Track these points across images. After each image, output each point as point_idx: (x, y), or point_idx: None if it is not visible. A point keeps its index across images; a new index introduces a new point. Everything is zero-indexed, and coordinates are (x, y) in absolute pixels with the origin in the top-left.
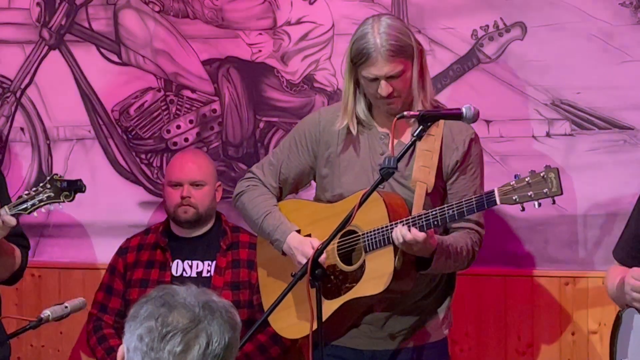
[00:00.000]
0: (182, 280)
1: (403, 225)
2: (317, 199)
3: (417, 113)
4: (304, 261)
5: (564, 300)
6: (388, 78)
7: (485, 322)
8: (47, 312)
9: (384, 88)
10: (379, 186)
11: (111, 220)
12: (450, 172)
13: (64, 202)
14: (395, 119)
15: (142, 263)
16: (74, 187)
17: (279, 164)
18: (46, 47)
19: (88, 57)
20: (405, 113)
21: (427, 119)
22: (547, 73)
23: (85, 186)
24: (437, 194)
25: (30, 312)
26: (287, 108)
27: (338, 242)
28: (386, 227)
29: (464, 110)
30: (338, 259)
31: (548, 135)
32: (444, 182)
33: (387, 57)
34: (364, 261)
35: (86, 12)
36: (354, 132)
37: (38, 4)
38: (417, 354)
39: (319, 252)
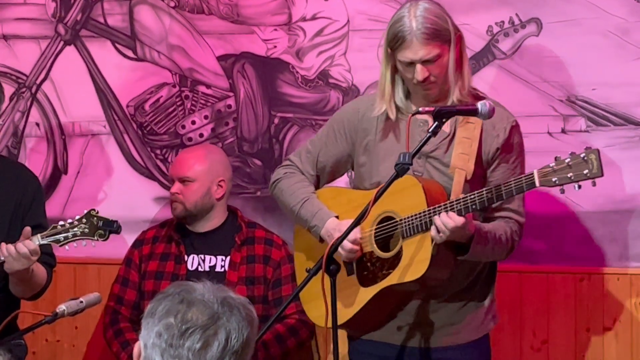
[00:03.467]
0: (197, 274)
1: (441, 211)
2: (355, 187)
3: (432, 109)
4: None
5: (579, 297)
6: (424, 62)
7: (501, 318)
8: (62, 307)
9: (419, 72)
10: (417, 173)
11: (126, 215)
12: (491, 159)
13: (97, 240)
14: (410, 115)
15: (157, 255)
16: (110, 228)
17: (317, 152)
18: (62, 43)
19: (103, 52)
20: (420, 109)
21: (442, 115)
22: (562, 69)
23: (121, 228)
24: (477, 182)
25: (45, 307)
26: (302, 104)
27: (376, 228)
28: (424, 212)
29: (479, 106)
30: (375, 245)
31: (563, 131)
32: (484, 169)
33: (423, 40)
34: (401, 248)
35: (102, 8)
36: (393, 118)
37: None
38: (457, 352)
39: (334, 247)
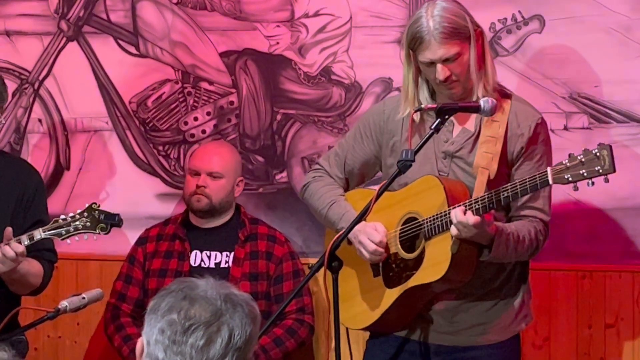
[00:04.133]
0: (200, 270)
1: (458, 207)
2: None
3: (435, 106)
4: (364, 239)
5: (581, 294)
6: (444, 61)
7: None
8: (64, 303)
9: (440, 72)
10: (443, 173)
11: (128, 211)
12: (516, 158)
13: (99, 233)
14: (413, 111)
15: (161, 253)
16: (111, 221)
17: (345, 154)
18: (64, 39)
19: (106, 48)
20: (422, 106)
21: (445, 112)
22: (565, 66)
23: (122, 221)
24: (502, 181)
25: (47, 303)
26: (304, 100)
27: (400, 229)
28: (444, 213)
29: (481, 103)
30: (400, 246)
31: (566, 128)
32: (509, 169)
33: (441, 39)
34: (424, 248)
35: (104, 4)
36: (417, 120)
37: None
38: (484, 352)
39: (335, 244)
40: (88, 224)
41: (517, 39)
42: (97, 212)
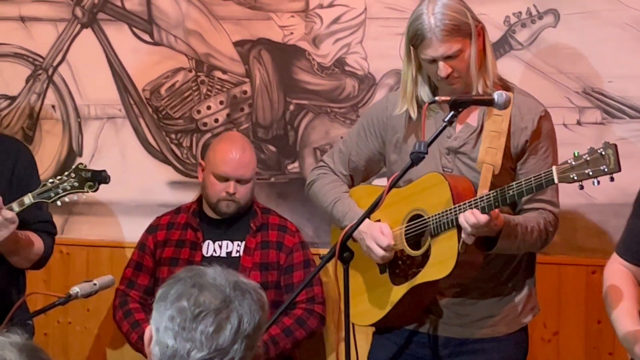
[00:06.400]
0: (212, 260)
1: (465, 208)
2: None
3: (449, 98)
4: (372, 245)
5: (591, 289)
6: (446, 58)
7: None
8: (76, 289)
9: (442, 69)
10: (447, 170)
11: (140, 199)
12: (520, 152)
13: (87, 192)
14: (426, 103)
15: (173, 242)
16: (98, 178)
17: (349, 151)
18: (79, 26)
19: (120, 36)
20: (436, 98)
21: (458, 105)
22: (578, 61)
23: (109, 177)
24: (508, 176)
25: (57, 288)
26: (317, 91)
27: (406, 227)
28: (450, 210)
29: (495, 96)
30: (405, 243)
31: (579, 123)
32: (514, 163)
33: (442, 37)
34: (430, 245)
35: None
36: (414, 116)
37: None
38: (493, 345)
39: (347, 235)
40: (76, 184)
41: (531, 32)
42: (83, 171)
